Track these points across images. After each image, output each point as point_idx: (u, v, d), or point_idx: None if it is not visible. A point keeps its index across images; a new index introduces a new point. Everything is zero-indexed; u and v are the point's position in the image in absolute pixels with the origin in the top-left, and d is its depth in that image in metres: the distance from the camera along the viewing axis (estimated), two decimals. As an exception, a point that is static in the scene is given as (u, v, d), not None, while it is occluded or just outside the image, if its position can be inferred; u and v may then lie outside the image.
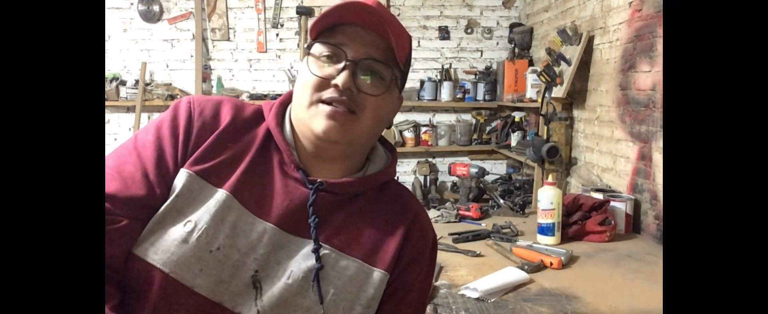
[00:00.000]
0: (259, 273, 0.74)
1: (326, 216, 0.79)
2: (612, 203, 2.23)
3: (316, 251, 0.76)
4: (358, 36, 0.78)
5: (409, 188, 3.71)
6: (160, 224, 0.73)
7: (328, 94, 0.76)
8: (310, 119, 0.78)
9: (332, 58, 0.78)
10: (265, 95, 3.94)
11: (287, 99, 0.86)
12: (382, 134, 0.90)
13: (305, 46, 0.78)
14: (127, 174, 0.74)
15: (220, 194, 0.75)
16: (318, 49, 0.79)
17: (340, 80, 0.76)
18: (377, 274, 0.79)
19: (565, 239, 2.11)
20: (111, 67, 3.91)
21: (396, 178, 0.93)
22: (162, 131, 0.79)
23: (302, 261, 0.76)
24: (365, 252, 0.80)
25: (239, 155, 0.79)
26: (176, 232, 0.72)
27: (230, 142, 0.79)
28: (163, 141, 0.78)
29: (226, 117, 0.81)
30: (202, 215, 0.73)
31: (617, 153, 2.52)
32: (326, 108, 0.76)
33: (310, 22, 0.76)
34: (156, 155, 0.76)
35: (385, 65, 0.79)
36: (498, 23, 4.19)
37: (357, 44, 0.78)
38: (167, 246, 0.71)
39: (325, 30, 0.80)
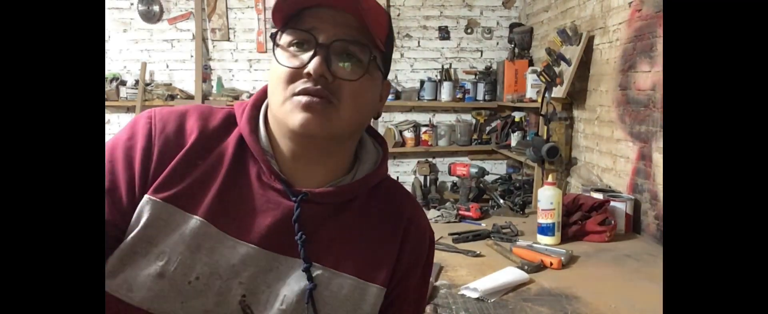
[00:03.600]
0: (247, 298, 0.69)
1: (314, 230, 0.73)
2: (612, 203, 2.23)
3: (307, 270, 0.71)
4: (328, 18, 0.70)
5: (409, 188, 3.73)
6: (131, 257, 0.67)
7: (301, 85, 0.69)
8: (285, 116, 0.70)
9: (303, 46, 0.70)
10: (265, 95, 3.94)
11: (260, 98, 0.78)
12: (381, 132, 0.86)
13: (269, 36, 0.74)
14: None
15: (194, 221, 0.69)
16: (285, 38, 0.71)
17: (311, 67, 0.68)
18: (373, 290, 0.75)
19: (565, 239, 2.11)
20: (111, 68, 3.92)
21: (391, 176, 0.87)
22: (115, 153, 0.71)
23: (294, 284, 0.71)
24: (359, 267, 0.75)
25: (211, 172, 0.72)
26: (150, 267, 0.67)
27: (200, 159, 0.72)
28: (116, 166, 0.70)
29: (192, 132, 0.73)
30: (175, 246, 0.68)
31: (617, 153, 2.52)
32: (301, 99, 0.69)
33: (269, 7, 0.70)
34: (107, 183, 0.69)
35: (361, 46, 0.70)
36: (498, 23, 4.20)
37: (327, 26, 0.69)
38: (143, 281, 0.67)
39: (291, 18, 0.71)
